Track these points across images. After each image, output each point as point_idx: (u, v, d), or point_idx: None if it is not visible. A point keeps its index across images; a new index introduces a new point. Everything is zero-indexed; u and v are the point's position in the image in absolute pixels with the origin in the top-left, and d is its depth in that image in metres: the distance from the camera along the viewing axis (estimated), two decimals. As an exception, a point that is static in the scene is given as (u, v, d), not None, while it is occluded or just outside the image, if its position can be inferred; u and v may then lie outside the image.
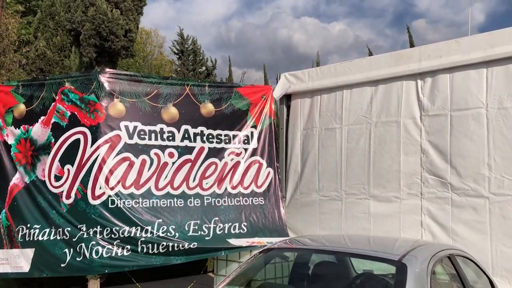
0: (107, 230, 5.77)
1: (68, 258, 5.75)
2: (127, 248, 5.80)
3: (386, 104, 6.15)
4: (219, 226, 6.40)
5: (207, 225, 6.32)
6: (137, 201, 6.01)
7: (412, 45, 10.50)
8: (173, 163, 6.37)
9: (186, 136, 6.49)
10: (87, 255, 5.69)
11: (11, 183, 6.26)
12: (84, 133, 6.03)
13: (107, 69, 6.29)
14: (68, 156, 6.07)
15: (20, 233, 6.04)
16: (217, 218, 6.44)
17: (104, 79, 6.10)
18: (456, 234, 5.35)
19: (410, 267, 2.89)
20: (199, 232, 6.22)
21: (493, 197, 5.14)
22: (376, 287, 3.41)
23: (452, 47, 5.60)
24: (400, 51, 6.18)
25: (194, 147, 6.53)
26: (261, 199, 6.84)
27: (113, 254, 5.76)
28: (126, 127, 6.12)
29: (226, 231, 6.42)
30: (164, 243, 5.86)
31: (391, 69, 6.12)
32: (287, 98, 7.40)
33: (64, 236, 5.84)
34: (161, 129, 6.34)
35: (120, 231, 5.78)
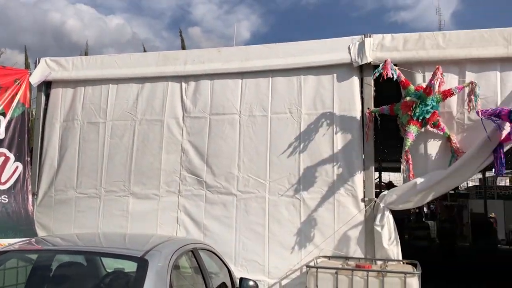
0: None
1: None
2: None
3: (151, 103, 6.20)
4: None
5: None
6: None
7: (184, 49, 10.92)
8: None
9: None
10: None
11: None
12: None
13: None
14: None
15: None
16: None
17: None
18: (207, 229, 5.75)
19: (152, 262, 2.93)
20: None
21: (240, 194, 5.71)
22: (119, 285, 3.36)
23: (214, 55, 6.02)
24: (167, 52, 6.33)
25: None
26: (5, 197, 6.01)
27: None
28: None
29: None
30: None
31: (158, 68, 6.21)
32: (46, 86, 6.74)
33: None
34: None
35: None
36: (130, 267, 3.41)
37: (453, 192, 30.88)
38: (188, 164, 5.96)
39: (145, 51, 11.41)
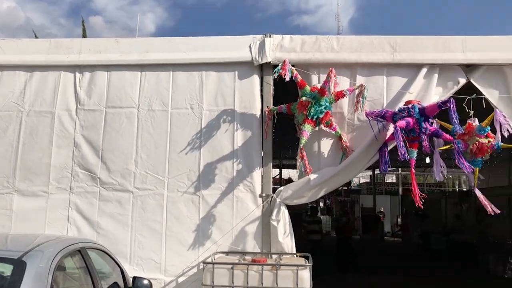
0: None
1: None
2: None
3: (41, 93, 5.77)
4: None
5: None
6: None
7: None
8: None
9: None
10: None
11: None
12: None
13: None
14: None
15: None
16: None
17: None
18: (100, 228, 5.48)
19: (31, 264, 2.71)
20: None
21: (137, 191, 5.53)
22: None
23: (112, 45, 5.76)
24: (60, 40, 5.93)
25: None
26: None
27: None
28: None
29: None
30: None
31: (50, 56, 5.79)
32: None
33: None
34: None
35: None
36: (8, 270, 3.13)
37: (346, 188, 33.07)
38: (81, 159, 5.63)
39: (36, 37, 10.56)
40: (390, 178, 34.12)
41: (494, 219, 13.25)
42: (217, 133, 5.56)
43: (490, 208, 4.84)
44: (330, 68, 4.96)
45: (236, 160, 5.51)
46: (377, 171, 21.47)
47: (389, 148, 5.32)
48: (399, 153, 4.66)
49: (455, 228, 15.33)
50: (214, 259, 5.02)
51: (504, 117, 4.75)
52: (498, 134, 4.70)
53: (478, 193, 4.94)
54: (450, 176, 27.93)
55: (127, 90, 5.71)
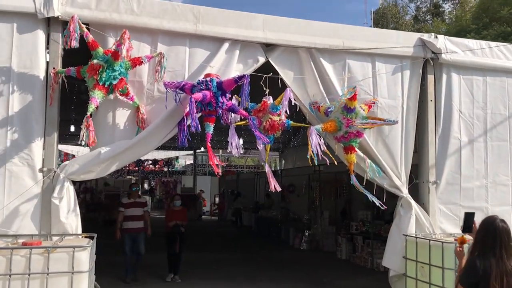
0: None
1: None
2: None
3: None
4: None
5: None
6: None
7: None
8: None
9: None
10: None
11: None
12: None
13: None
14: None
15: None
16: None
17: None
18: None
19: None
20: None
21: None
22: None
23: None
24: None
25: None
26: None
27: None
28: None
29: None
30: None
31: None
32: None
33: None
34: None
35: None
36: None
37: (173, 169, 32.92)
38: None
39: None
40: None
41: (295, 196, 14.62)
42: (-12, 95, 4.64)
43: (273, 185, 5.03)
44: (124, 30, 4.51)
45: (10, 128, 4.68)
46: (198, 152, 21.68)
47: (188, 123, 5.12)
48: (191, 125, 4.50)
49: (264, 205, 16.39)
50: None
51: (293, 97, 4.98)
52: (283, 110, 4.92)
53: (267, 169, 5.12)
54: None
55: None
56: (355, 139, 5.35)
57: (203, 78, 4.90)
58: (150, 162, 20.68)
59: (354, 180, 5.39)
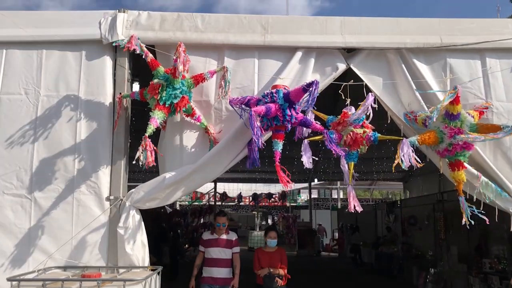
0: None
1: None
2: None
3: None
4: None
5: None
6: None
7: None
8: None
9: None
10: None
11: None
12: None
13: None
14: None
15: None
16: None
17: None
18: None
19: None
20: None
21: (-46, 194, 4.50)
22: None
23: None
24: None
25: None
26: None
27: None
28: None
29: None
30: None
31: None
32: None
33: None
34: None
35: None
36: None
37: (295, 204, 32.55)
38: None
39: None
40: (336, 194, 33.82)
41: (417, 229, 12.98)
42: (56, 123, 4.65)
43: (353, 205, 4.16)
44: (179, 43, 4.19)
45: (78, 156, 4.60)
46: (312, 184, 20.91)
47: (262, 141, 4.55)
48: (253, 141, 3.94)
49: (385, 238, 14.90)
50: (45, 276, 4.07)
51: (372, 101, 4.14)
52: (362, 114, 4.11)
53: (349, 189, 4.28)
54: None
55: None
56: (462, 152, 4.25)
57: (269, 90, 4.35)
58: (264, 195, 20.36)
59: (462, 203, 4.25)
